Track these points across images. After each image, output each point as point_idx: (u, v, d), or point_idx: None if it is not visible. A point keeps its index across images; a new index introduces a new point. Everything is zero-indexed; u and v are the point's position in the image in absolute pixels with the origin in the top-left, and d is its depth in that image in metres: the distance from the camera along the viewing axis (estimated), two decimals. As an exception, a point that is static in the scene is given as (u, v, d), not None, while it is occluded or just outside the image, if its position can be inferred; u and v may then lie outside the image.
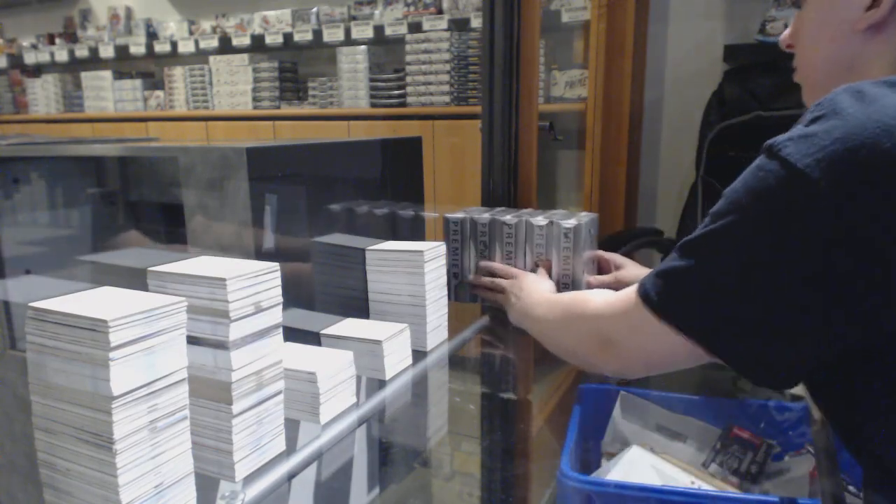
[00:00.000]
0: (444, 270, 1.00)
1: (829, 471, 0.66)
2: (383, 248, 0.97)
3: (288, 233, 0.88)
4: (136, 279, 0.62)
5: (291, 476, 0.66)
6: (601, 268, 1.15)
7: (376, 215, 1.09)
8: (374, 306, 0.99)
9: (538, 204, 1.48)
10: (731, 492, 0.76)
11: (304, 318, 0.91)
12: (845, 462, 0.70)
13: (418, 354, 0.94)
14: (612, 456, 0.83)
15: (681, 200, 2.06)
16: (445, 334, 1.02)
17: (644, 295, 0.60)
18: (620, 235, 2.06)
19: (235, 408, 0.60)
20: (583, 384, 0.84)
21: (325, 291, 0.98)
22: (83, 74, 3.86)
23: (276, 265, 0.64)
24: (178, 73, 3.52)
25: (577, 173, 2.54)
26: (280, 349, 0.65)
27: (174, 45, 3.52)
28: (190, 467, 0.56)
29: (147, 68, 3.85)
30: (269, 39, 3.20)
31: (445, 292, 1.01)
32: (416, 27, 2.80)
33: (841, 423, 0.57)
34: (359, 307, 0.99)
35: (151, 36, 3.67)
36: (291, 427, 0.70)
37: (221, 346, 0.59)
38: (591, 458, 0.85)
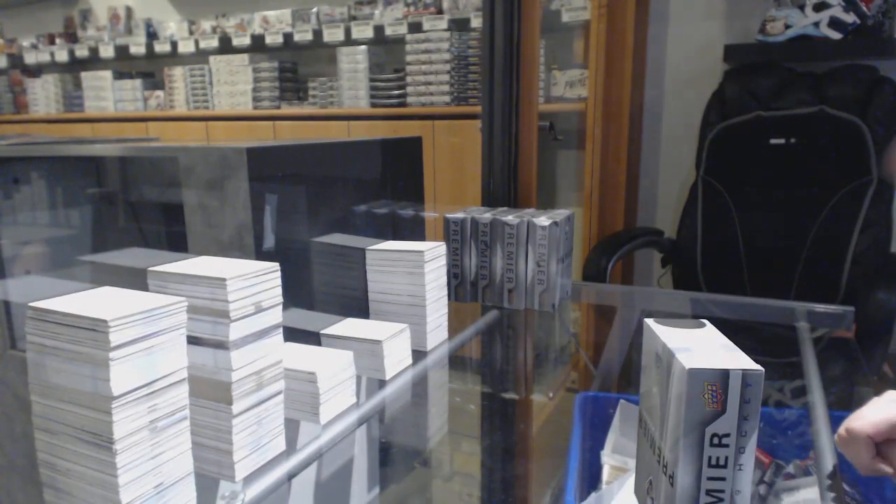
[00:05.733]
0: (444, 270, 1.00)
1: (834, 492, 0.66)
2: (383, 248, 0.97)
3: (288, 233, 0.88)
4: (136, 279, 0.62)
5: (291, 476, 0.66)
6: None
7: (376, 215, 1.09)
8: (374, 306, 0.99)
9: (538, 204, 1.48)
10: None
11: (304, 318, 0.91)
12: (845, 467, 0.70)
13: (418, 354, 0.94)
14: (613, 469, 0.83)
15: (681, 200, 2.06)
16: (445, 334, 1.02)
17: None
18: (620, 235, 2.06)
19: (235, 408, 0.60)
20: (581, 392, 0.84)
21: (325, 291, 0.98)
22: (83, 74, 3.86)
23: (276, 265, 0.64)
24: (178, 73, 3.52)
25: (577, 173, 2.53)
26: (280, 349, 0.65)
27: (174, 45, 3.52)
28: (190, 467, 0.55)
29: (147, 68, 3.85)
30: (269, 39, 3.20)
31: (445, 292, 1.01)
32: (416, 27, 2.80)
33: None
34: (359, 307, 0.99)
35: (151, 36, 3.67)
36: (291, 427, 0.70)
37: (221, 346, 0.59)
38: (591, 470, 0.84)
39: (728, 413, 0.43)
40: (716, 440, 0.43)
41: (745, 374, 0.42)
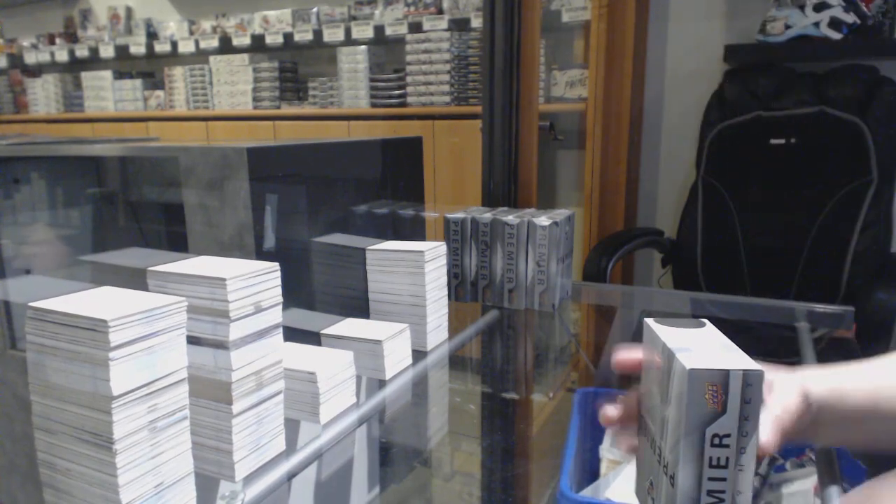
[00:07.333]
0: (444, 270, 1.00)
1: (831, 482, 0.66)
2: (384, 248, 0.97)
3: (288, 233, 0.88)
4: (136, 279, 0.62)
5: (291, 476, 0.66)
6: None
7: (376, 215, 1.09)
8: (374, 306, 0.99)
9: (538, 204, 1.48)
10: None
11: (304, 318, 0.91)
12: (847, 469, 0.69)
13: (418, 354, 0.94)
14: (611, 463, 0.83)
15: (681, 200, 2.06)
16: (445, 334, 1.02)
17: None
18: (620, 235, 2.06)
19: (235, 408, 0.60)
20: (580, 388, 0.84)
21: (325, 291, 0.98)
22: (83, 74, 3.86)
23: (276, 265, 0.64)
24: (178, 72, 3.52)
25: (577, 173, 2.54)
26: (280, 349, 0.65)
27: (174, 45, 3.52)
28: (190, 467, 0.55)
29: (147, 68, 3.85)
30: (269, 39, 3.20)
31: (446, 292, 1.01)
32: (416, 27, 2.80)
33: None
34: (359, 307, 0.99)
35: (151, 36, 3.67)
36: (291, 427, 0.70)
37: (221, 346, 0.59)
38: (591, 464, 0.84)
39: (728, 413, 0.43)
40: (716, 440, 0.43)
41: (746, 374, 0.42)
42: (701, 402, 0.43)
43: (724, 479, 0.44)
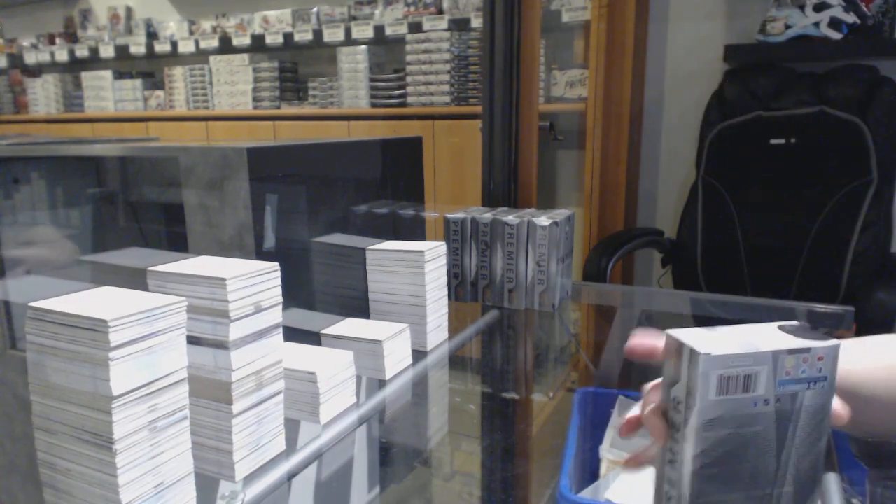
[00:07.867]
0: (444, 270, 1.00)
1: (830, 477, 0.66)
2: (384, 248, 0.97)
3: (288, 233, 0.88)
4: (136, 279, 0.62)
5: (291, 476, 0.66)
6: None
7: (376, 215, 1.08)
8: (374, 306, 0.99)
9: (538, 204, 1.48)
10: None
11: (304, 318, 0.91)
12: (847, 470, 0.70)
13: (418, 354, 0.94)
14: (611, 463, 0.83)
15: (681, 200, 2.06)
16: (445, 334, 1.02)
17: None
18: (620, 235, 2.06)
19: (235, 408, 0.60)
20: (580, 388, 0.84)
21: (325, 291, 0.98)
22: (83, 74, 3.86)
23: (276, 265, 0.64)
24: (178, 72, 3.52)
25: (577, 173, 2.54)
26: (280, 349, 0.65)
27: (174, 45, 3.52)
28: (190, 467, 0.55)
29: (147, 68, 3.85)
30: (269, 39, 3.20)
31: (446, 292, 1.01)
32: (416, 27, 2.80)
33: None
34: (359, 307, 0.99)
35: (151, 36, 3.67)
36: (291, 427, 0.70)
37: (221, 346, 0.59)
38: (590, 465, 0.84)
39: (682, 382, 0.46)
40: (674, 403, 0.47)
41: (693, 352, 0.45)
42: (669, 363, 0.48)
43: (677, 442, 0.48)
